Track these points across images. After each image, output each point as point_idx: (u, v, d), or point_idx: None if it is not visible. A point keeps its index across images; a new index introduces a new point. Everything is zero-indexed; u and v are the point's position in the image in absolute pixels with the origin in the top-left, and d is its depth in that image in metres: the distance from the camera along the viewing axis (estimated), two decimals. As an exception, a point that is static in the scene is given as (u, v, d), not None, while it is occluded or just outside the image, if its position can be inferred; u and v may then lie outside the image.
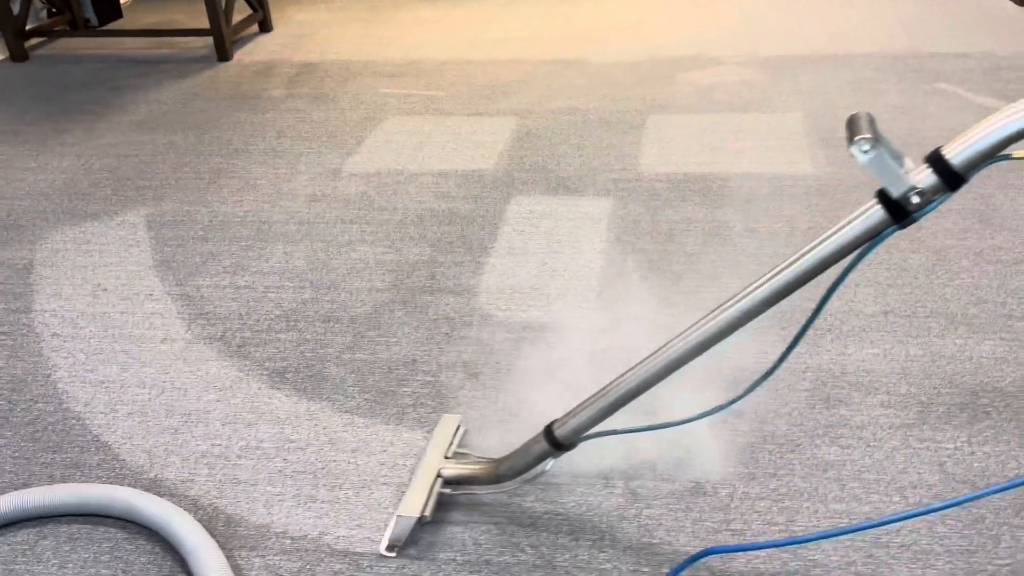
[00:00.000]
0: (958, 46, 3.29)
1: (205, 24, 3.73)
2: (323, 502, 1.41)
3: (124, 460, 1.52)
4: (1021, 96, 2.75)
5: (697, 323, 1.07)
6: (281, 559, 1.31)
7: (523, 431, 1.34)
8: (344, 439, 1.54)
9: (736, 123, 2.75)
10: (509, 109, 2.98)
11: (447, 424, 1.50)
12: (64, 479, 1.49)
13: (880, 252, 1.99)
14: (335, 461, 1.50)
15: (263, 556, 1.32)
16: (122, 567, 1.31)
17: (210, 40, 3.85)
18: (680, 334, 1.08)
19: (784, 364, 1.64)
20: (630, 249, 2.08)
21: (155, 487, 1.46)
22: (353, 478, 1.46)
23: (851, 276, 1.91)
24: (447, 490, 1.37)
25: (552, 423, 1.24)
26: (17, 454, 1.55)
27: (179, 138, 2.90)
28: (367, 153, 2.71)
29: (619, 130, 2.76)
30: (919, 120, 2.66)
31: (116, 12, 4.20)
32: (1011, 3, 3.74)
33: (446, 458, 1.41)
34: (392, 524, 1.33)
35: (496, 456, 1.36)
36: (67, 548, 1.34)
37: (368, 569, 1.28)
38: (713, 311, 1.06)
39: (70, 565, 1.32)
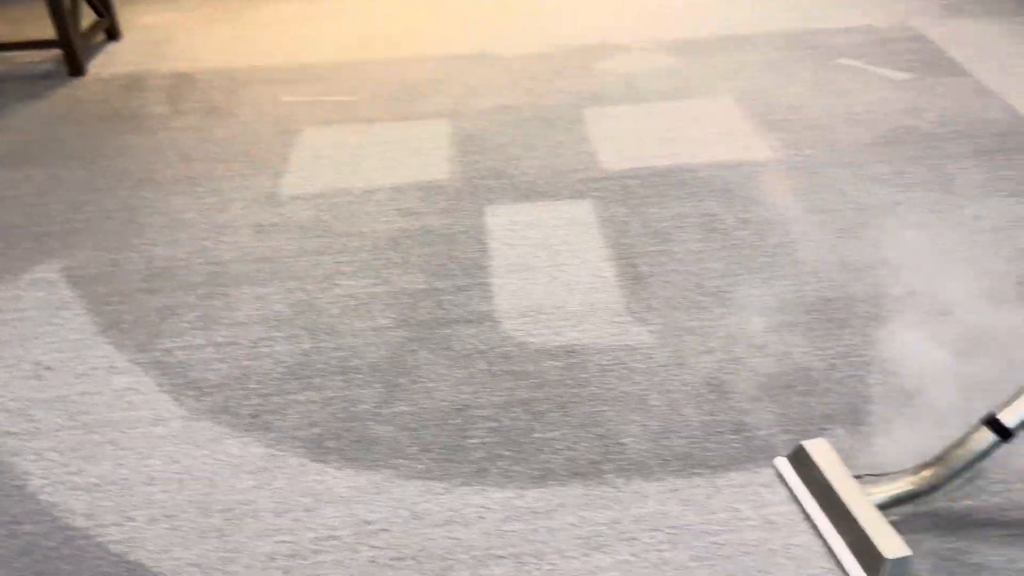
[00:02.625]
0: (839, 21, 3.46)
1: (44, 33, 3.24)
2: (440, 590, 1.23)
3: (172, 581, 1.26)
4: (918, 66, 2.94)
5: None
6: (422, 669, 1.13)
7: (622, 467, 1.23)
8: (429, 511, 1.36)
9: (673, 112, 2.73)
10: (436, 111, 2.80)
11: (819, 451, 1.35)
12: (102, 619, 1.21)
13: (873, 231, 2.04)
14: (431, 539, 1.31)
15: (400, 670, 1.13)
16: None
17: (52, 52, 3.35)
18: None
19: (844, 359, 1.63)
20: (634, 253, 2.00)
21: (225, 608, 1.22)
22: (462, 556, 1.28)
23: (862, 258, 1.94)
24: (893, 517, 1.26)
25: (992, 414, 1.22)
26: (24, 597, 1.24)
27: (63, 171, 2.48)
28: (300, 172, 2.44)
29: (561, 127, 2.66)
30: (842, 96, 2.76)
31: (-79, 24, 3.55)
32: (866, -22, 3.99)
33: (861, 483, 1.29)
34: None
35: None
36: None
37: None
38: None
39: None
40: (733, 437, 1.47)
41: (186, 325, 1.81)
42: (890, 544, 1.19)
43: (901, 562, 1.18)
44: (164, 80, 3.14)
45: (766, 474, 1.40)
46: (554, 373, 1.64)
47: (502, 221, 2.16)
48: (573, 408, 1.56)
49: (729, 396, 1.56)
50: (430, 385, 1.62)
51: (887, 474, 1.32)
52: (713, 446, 1.46)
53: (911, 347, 1.66)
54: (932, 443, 1.39)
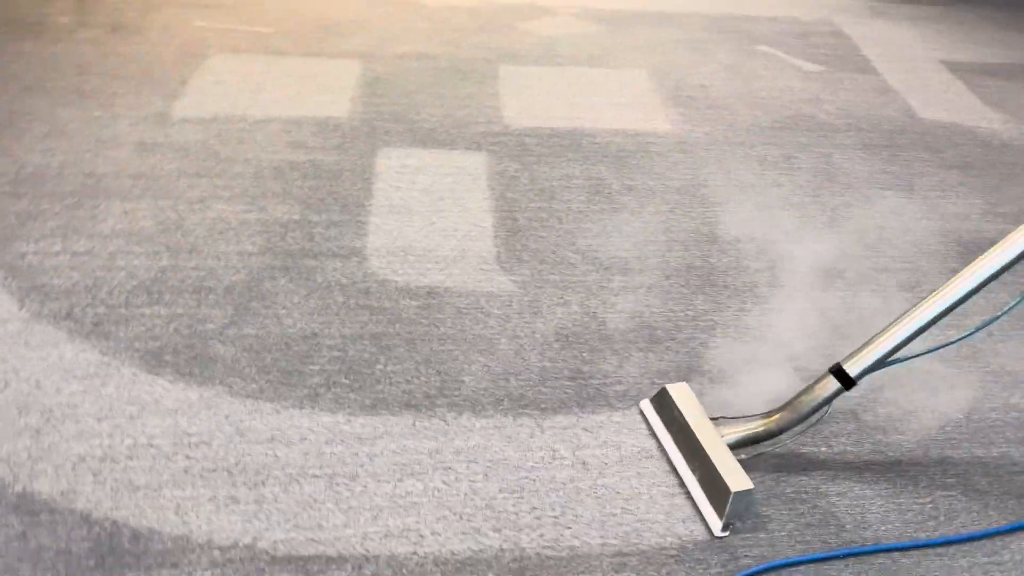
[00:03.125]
0: (766, 10, 3.51)
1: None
2: (247, 503, 1.24)
3: (-25, 474, 1.24)
4: (830, 60, 3.01)
5: (971, 267, 1.22)
6: (212, 573, 1.14)
7: (461, 406, 1.26)
8: (254, 428, 1.36)
9: (586, 78, 2.75)
10: (350, 51, 2.76)
11: (681, 393, 1.42)
12: None
13: (749, 208, 2.09)
14: (249, 455, 1.32)
15: (190, 573, 1.14)
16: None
17: (-39, -50, 3.19)
18: (961, 274, 1.23)
19: (691, 322, 1.68)
20: (516, 207, 2.02)
21: (25, 504, 1.21)
22: (277, 472, 1.29)
23: (731, 232, 1.99)
24: (742, 456, 1.33)
25: (839, 364, 1.29)
26: None
27: (-52, 70, 2.39)
28: (196, 95, 2.39)
29: (473, 80, 2.66)
30: (752, 80, 2.81)
31: None
32: (803, -27, 4.05)
33: (715, 424, 1.37)
34: (714, 507, 1.28)
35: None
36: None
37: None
38: (981, 257, 1.22)
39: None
40: (568, 384, 1.50)
41: (46, 231, 1.77)
42: (736, 479, 1.27)
43: (744, 495, 1.26)
44: (76, -9, 3.03)
45: (590, 420, 1.43)
46: (410, 311, 1.65)
47: (393, 164, 2.15)
48: (421, 345, 1.57)
49: (573, 346, 1.59)
50: (282, 312, 1.62)
51: (742, 417, 1.39)
52: (547, 390, 1.49)
53: (757, 317, 1.71)
54: (756, 406, 1.45)
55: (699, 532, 1.27)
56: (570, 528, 1.25)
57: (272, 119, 2.30)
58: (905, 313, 1.27)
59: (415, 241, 1.86)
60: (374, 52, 2.77)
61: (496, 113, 2.46)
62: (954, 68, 3.02)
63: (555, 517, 1.26)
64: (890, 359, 1.27)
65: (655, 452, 1.39)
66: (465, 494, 1.28)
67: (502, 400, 1.46)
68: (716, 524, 1.27)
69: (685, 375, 1.55)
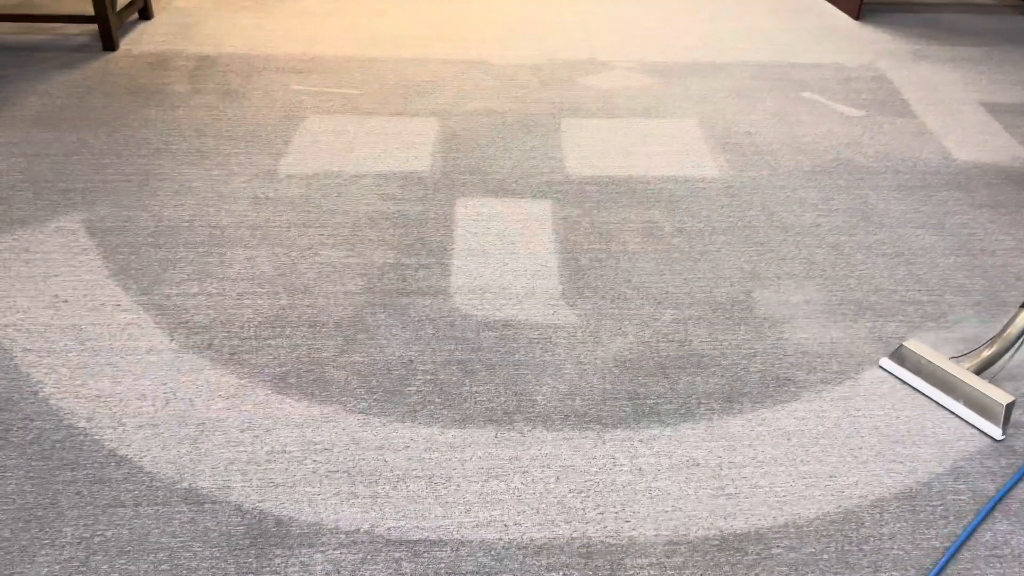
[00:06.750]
0: (812, 57, 3.74)
1: (83, 9, 3.55)
2: (364, 498, 1.53)
3: (151, 472, 1.56)
4: (872, 104, 3.22)
5: None
6: (341, 553, 1.42)
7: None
8: (366, 438, 1.66)
9: (641, 128, 3.02)
10: (428, 110, 3.10)
11: (919, 346, 1.81)
12: (92, 496, 1.51)
13: (789, 247, 2.32)
14: (364, 459, 1.61)
15: (323, 552, 1.42)
16: None
17: (89, 27, 3.67)
18: None
19: (734, 349, 1.92)
20: (578, 249, 2.29)
21: (191, 496, 1.51)
22: (386, 474, 1.58)
23: (772, 269, 2.23)
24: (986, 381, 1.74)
25: None
26: (32, 474, 1.55)
27: (88, 136, 2.79)
28: (298, 154, 2.75)
29: (538, 133, 2.96)
30: (795, 126, 3.05)
31: (-28, -9, 3.88)
32: (850, 19, 4.27)
33: (955, 362, 1.77)
34: (987, 418, 1.68)
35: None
36: None
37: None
38: None
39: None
40: (626, 403, 1.76)
41: (184, 276, 2.12)
42: (1001, 394, 1.67)
43: (1012, 404, 1.65)
44: (188, 61, 3.45)
45: (645, 433, 1.69)
46: (489, 341, 1.94)
47: (470, 212, 2.46)
48: (500, 370, 1.85)
49: (630, 371, 1.85)
50: (383, 342, 1.92)
51: (969, 353, 1.83)
52: (608, 408, 1.75)
53: (795, 344, 1.94)
54: (793, 423, 1.68)
55: (741, 525, 1.50)
56: (628, 522, 1.50)
57: (364, 174, 2.63)
58: None
59: (491, 280, 2.15)
60: (449, 110, 3.10)
61: (559, 163, 2.75)
62: (992, 109, 3.20)
63: (616, 512, 1.51)
64: None
65: (701, 461, 1.64)
66: (540, 493, 1.55)
67: (569, 416, 1.73)
68: (996, 431, 1.66)
69: (729, 395, 1.79)
